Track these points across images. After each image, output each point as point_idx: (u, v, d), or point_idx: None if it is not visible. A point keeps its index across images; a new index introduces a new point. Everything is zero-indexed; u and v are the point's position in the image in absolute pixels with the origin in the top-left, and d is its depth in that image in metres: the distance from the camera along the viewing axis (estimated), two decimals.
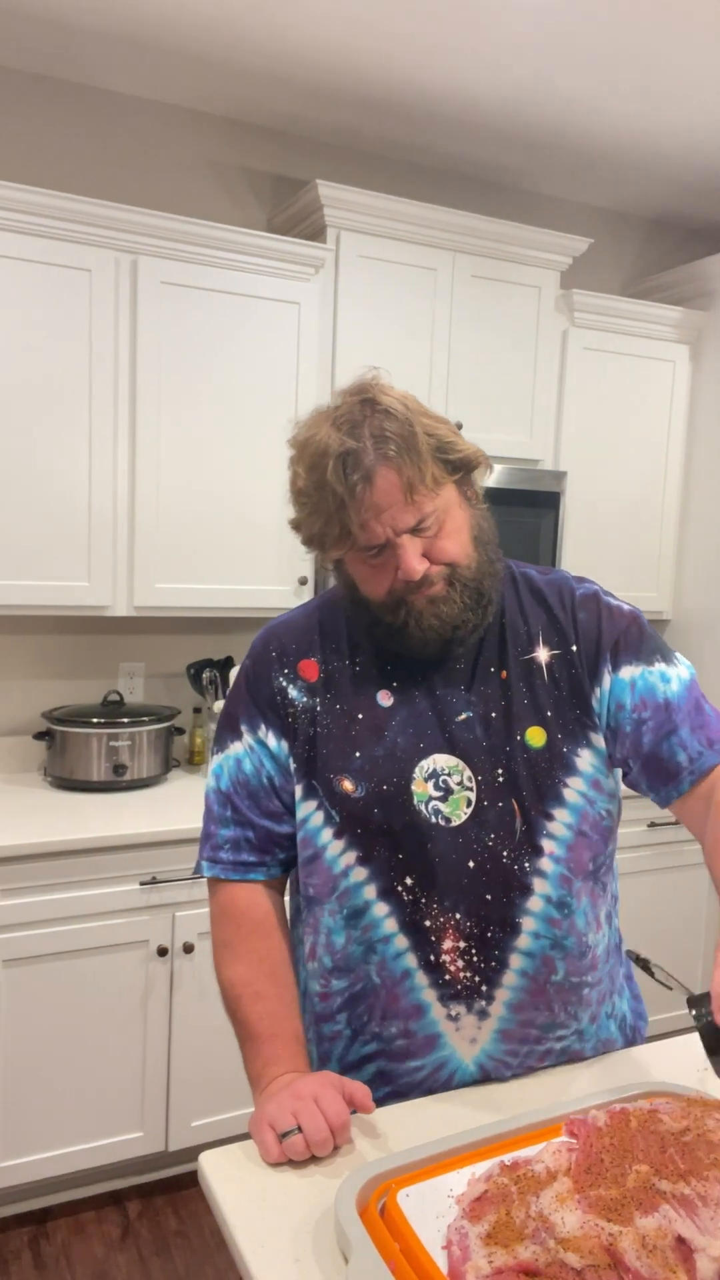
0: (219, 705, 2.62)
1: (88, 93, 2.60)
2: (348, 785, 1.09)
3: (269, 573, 2.56)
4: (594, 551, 3.01)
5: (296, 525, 1.10)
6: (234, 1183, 0.91)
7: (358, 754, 1.10)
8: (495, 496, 2.72)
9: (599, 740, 1.11)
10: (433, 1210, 0.83)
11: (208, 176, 2.76)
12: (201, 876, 1.18)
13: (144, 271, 2.33)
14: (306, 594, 2.60)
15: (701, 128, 2.73)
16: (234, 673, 2.62)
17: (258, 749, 1.15)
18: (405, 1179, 0.87)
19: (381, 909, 1.07)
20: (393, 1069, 1.09)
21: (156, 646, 2.78)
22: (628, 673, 1.11)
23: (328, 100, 2.64)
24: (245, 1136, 0.99)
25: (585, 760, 1.10)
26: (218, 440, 2.47)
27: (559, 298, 2.88)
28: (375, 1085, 1.10)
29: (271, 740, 1.14)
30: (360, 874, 1.08)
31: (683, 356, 3.09)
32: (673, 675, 1.12)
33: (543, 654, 1.13)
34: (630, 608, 1.17)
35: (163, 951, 2.18)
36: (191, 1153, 2.26)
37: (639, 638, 1.13)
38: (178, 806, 2.36)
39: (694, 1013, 0.93)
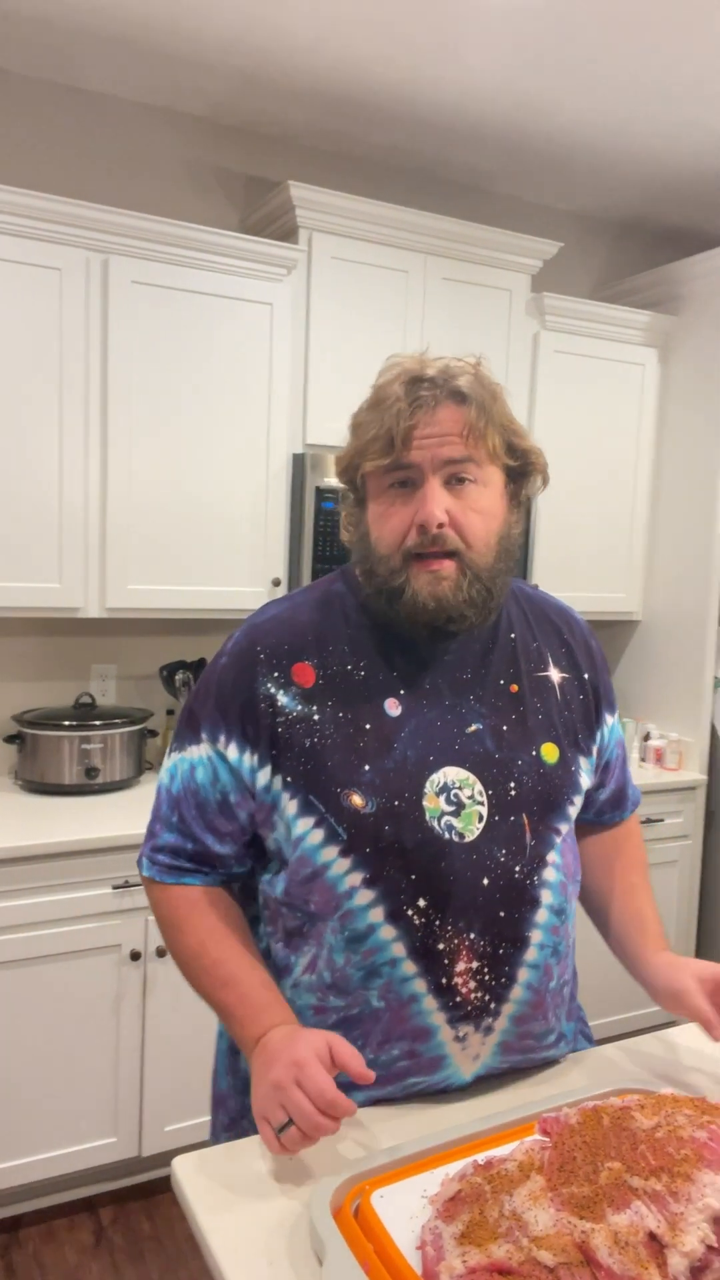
0: None
1: (60, 91, 2.58)
2: (357, 800, 1.01)
3: (242, 574, 2.55)
4: (565, 553, 3.03)
5: (340, 456, 1.08)
6: (207, 1187, 0.91)
7: (367, 767, 1.02)
8: None
9: (589, 765, 1.15)
10: (406, 1211, 0.84)
11: (180, 176, 2.75)
12: (143, 874, 1.15)
13: (115, 271, 2.31)
14: (280, 595, 2.59)
15: (670, 132, 2.76)
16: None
17: (215, 761, 1.07)
18: (379, 1180, 0.87)
19: (389, 933, 1.01)
20: (387, 1089, 1.04)
21: (129, 648, 2.77)
22: (616, 713, 1.22)
23: (300, 101, 2.64)
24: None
25: (583, 781, 1.14)
26: (191, 441, 2.46)
27: (530, 301, 2.89)
28: (365, 1106, 1.06)
29: (232, 753, 1.06)
30: (366, 896, 1.01)
31: (652, 360, 3.12)
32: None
33: (555, 674, 1.14)
34: None
35: (136, 956, 2.17)
36: (165, 1158, 2.25)
37: None
38: (151, 810, 2.34)
39: None
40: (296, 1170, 0.94)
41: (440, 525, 0.99)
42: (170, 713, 2.77)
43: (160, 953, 2.19)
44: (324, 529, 2.58)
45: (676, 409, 3.12)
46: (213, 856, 1.10)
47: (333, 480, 2.57)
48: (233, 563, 2.54)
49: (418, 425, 0.99)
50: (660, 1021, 2.97)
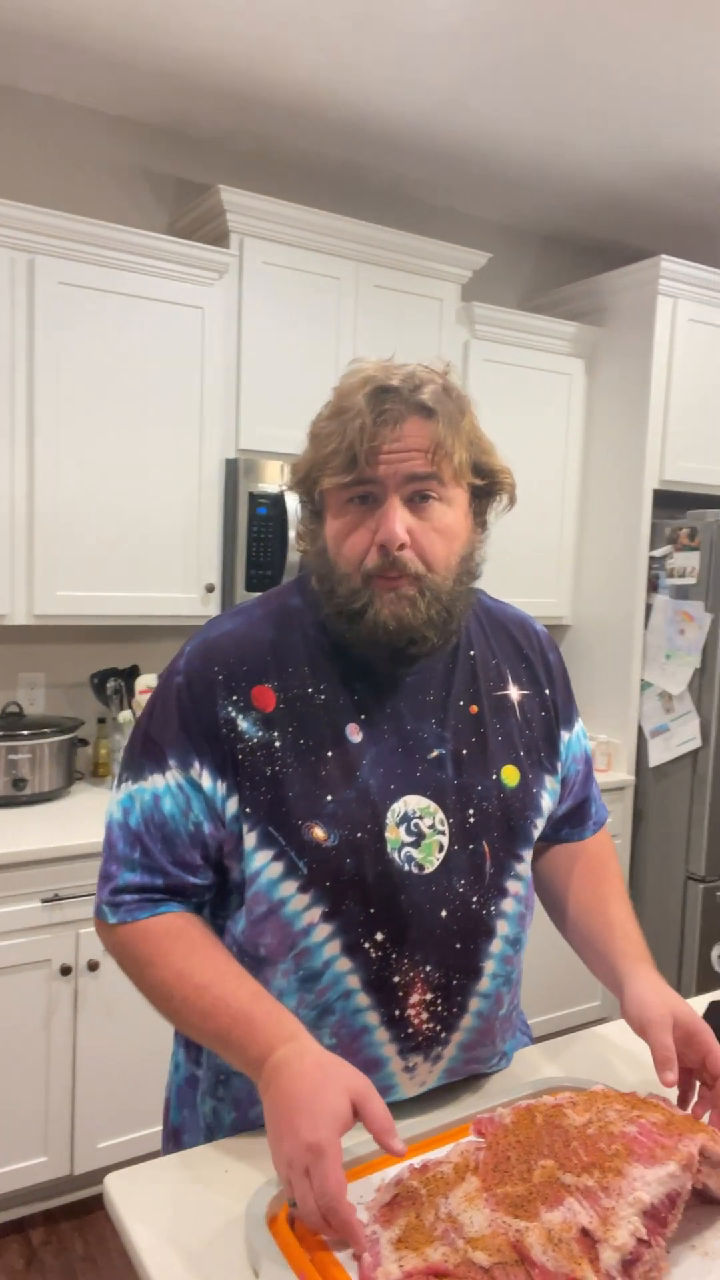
0: (124, 715, 2.57)
1: None
2: (319, 833, 0.96)
3: (175, 580, 2.53)
4: (497, 560, 3.05)
5: (297, 465, 1.01)
6: (141, 1203, 0.90)
7: (329, 797, 0.97)
8: None
9: (554, 783, 1.12)
10: None
11: (107, 177, 2.72)
12: (106, 922, 1.01)
13: (41, 271, 2.27)
14: (214, 601, 2.58)
15: (595, 148, 2.83)
16: (142, 681, 2.57)
17: (187, 789, 0.99)
18: None
19: (344, 966, 0.97)
20: None
21: (58, 656, 2.71)
22: (578, 726, 1.19)
23: (230, 105, 2.63)
24: (152, 1155, 0.97)
25: (546, 802, 1.10)
26: (121, 444, 2.43)
27: (460, 310, 2.93)
28: None
29: (206, 781, 0.98)
30: (323, 931, 0.97)
31: (578, 370, 3.19)
32: (584, 730, 1.21)
33: (514, 692, 1.10)
34: None
35: (66, 970, 2.12)
36: (99, 1175, 2.21)
37: (572, 691, 1.20)
38: (81, 820, 2.30)
39: None
40: (232, 1182, 0.93)
41: (401, 546, 0.95)
42: (102, 721, 2.72)
43: (92, 967, 2.15)
44: (258, 535, 2.57)
45: (602, 418, 3.19)
46: (187, 889, 1.01)
47: (267, 486, 2.57)
48: (165, 568, 2.51)
49: (381, 437, 0.94)
50: (595, 1018, 3.02)
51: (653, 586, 3.07)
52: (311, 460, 0.99)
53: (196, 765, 0.99)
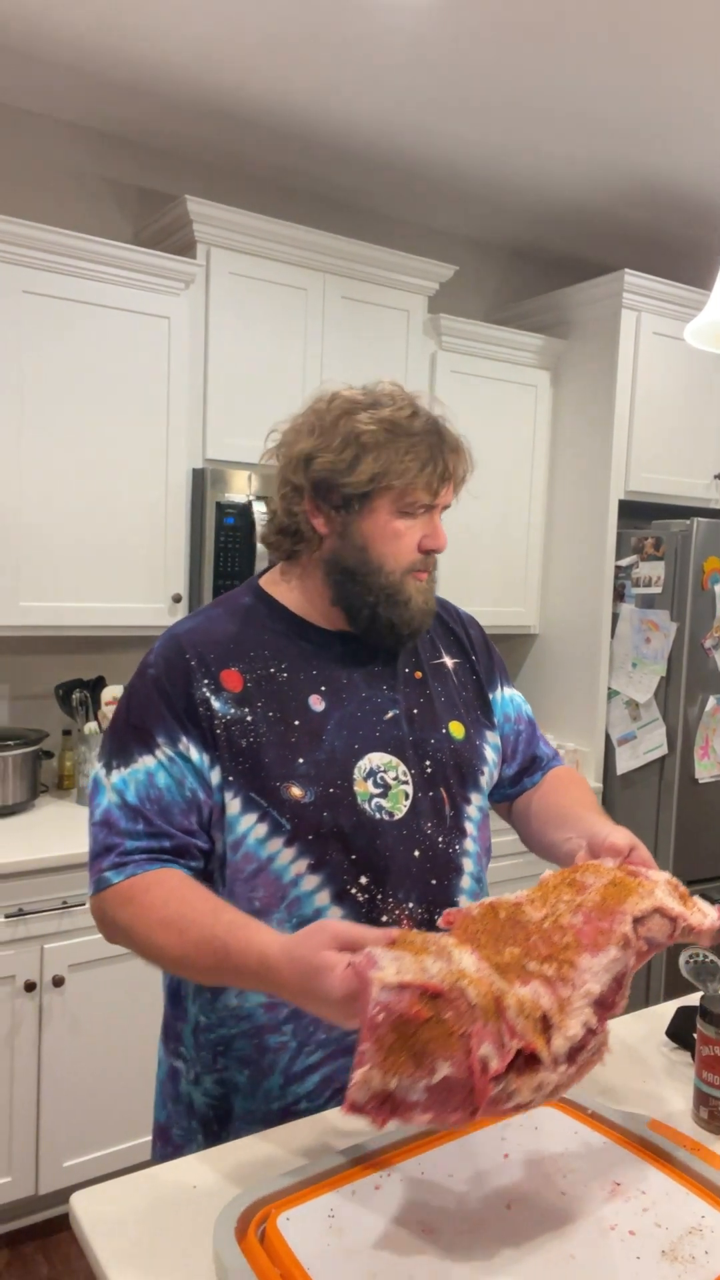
0: (90, 727, 2.54)
1: None
2: (296, 791, 1.08)
3: (141, 590, 2.51)
4: (466, 569, 3.09)
5: (334, 463, 1.10)
6: (107, 1223, 0.88)
7: (301, 759, 1.09)
8: None
9: (495, 738, 1.27)
10: (313, 1232, 0.83)
11: (69, 186, 2.70)
12: (110, 885, 1.04)
13: (4, 280, 2.25)
14: (180, 611, 2.56)
15: (561, 165, 2.86)
16: (108, 692, 2.55)
17: (179, 761, 1.07)
18: (284, 1202, 0.86)
19: (335, 913, 1.08)
20: (338, 1067, 1.08)
21: (21, 667, 2.68)
22: (508, 691, 1.33)
23: (196, 117, 2.63)
24: (119, 1173, 0.95)
25: (489, 753, 1.24)
26: (87, 454, 2.41)
27: (427, 321, 2.95)
28: (320, 1091, 1.09)
29: (194, 754, 1.08)
30: (311, 881, 1.08)
31: (544, 381, 3.22)
32: (522, 696, 1.37)
33: (448, 660, 1.27)
34: None
35: (30, 987, 2.09)
36: (64, 1194, 2.17)
37: (503, 662, 1.36)
38: (46, 834, 2.27)
39: None
40: (200, 1199, 0.92)
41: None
42: (67, 733, 2.69)
43: (57, 983, 2.11)
44: (225, 544, 2.56)
45: (568, 429, 3.22)
46: (191, 850, 1.08)
47: (234, 496, 2.56)
48: (131, 579, 2.49)
49: (453, 465, 1.13)
50: None
51: (619, 596, 3.10)
52: (388, 462, 1.09)
53: (184, 740, 1.08)
